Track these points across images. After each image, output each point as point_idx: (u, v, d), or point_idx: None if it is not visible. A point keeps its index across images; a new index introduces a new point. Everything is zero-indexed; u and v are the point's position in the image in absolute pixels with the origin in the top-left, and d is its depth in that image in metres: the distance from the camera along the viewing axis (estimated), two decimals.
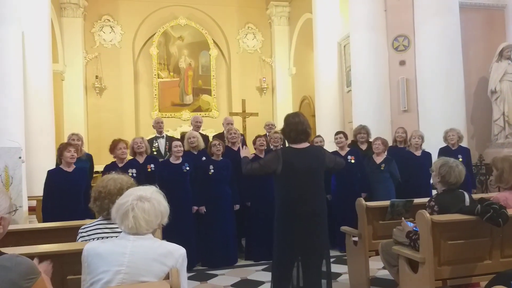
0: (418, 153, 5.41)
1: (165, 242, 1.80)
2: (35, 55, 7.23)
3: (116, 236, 1.93)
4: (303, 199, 3.03)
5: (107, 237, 2.11)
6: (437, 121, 6.21)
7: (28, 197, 6.17)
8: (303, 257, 3.08)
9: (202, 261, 4.88)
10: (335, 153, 5.45)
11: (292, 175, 3.04)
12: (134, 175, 4.46)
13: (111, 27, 11.51)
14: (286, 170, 3.04)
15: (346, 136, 5.50)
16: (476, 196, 3.56)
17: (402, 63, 7.18)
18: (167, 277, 1.66)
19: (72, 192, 4.14)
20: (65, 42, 10.79)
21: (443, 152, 5.37)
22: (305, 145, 3.14)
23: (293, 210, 3.04)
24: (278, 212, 3.13)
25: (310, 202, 3.05)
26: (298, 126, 3.11)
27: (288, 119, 3.18)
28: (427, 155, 5.40)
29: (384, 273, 4.17)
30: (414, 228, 2.97)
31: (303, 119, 3.17)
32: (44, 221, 4.17)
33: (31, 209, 6.30)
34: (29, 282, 1.46)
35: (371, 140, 5.71)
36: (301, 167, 3.03)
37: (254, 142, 5.40)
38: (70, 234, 2.76)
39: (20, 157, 4.90)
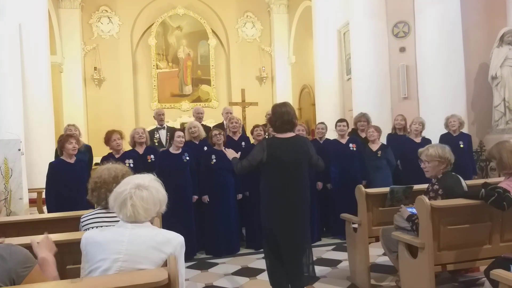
0: (418, 140, 5.40)
1: (163, 230, 1.80)
2: (32, 47, 7.19)
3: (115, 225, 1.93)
4: (285, 189, 3.09)
5: (106, 226, 2.11)
6: (438, 108, 6.18)
7: (29, 189, 6.18)
8: (286, 246, 3.12)
9: (205, 249, 4.92)
10: (335, 141, 5.46)
11: (276, 165, 3.10)
12: (132, 165, 4.45)
13: (108, 17, 11.44)
14: (270, 159, 3.09)
15: (348, 125, 5.50)
16: (478, 181, 3.57)
17: (402, 49, 7.12)
18: (165, 264, 1.67)
19: (75, 183, 4.13)
20: (63, 33, 10.74)
21: (444, 138, 5.36)
22: (290, 134, 3.18)
23: (275, 200, 3.11)
24: (262, 201, 3.20)
25: (292, 192, 3.11)
26: (284, 116, 3.15)
27: (275, 108, 3.22)
28: (427, 142, 5.38)
29: (384, 260, 4.19)
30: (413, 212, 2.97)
31: (289, 109, 3.21)
32: (49, 212, 4.17)
33: (32, 201, 6.32)
34: (24, 270, 1.47)
35: None
36: (284, 157, 3.09)
37: (252, 132, 5.40)
38: (71, 225, 2.77)
39: (19, 149, 4.90)
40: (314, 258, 4.31)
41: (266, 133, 5.39)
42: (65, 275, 2.06)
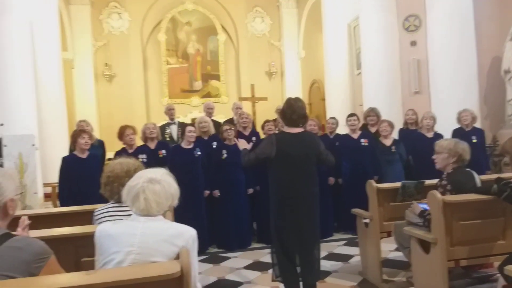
0: (430, 134, 5.36)
1: (175, 223, 1.82)
2: (44, 44, 7.28)
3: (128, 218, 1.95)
4: (293, 184, 3.10)
5: (119, 220, 2.13)
6: (450, 102, 6.12)
7: (43, 183, 6.27)
8: (298, 242, 3.12)
9: (217, 244, 4.95)
10: (346, 136, 5.44)
11: (285, 160, 3.10)
12: (145, 160, 4.49)
13: (118, 14, 11.49)
14: (279, 154, 3.10)
15: (359, 119, 5.47)
16: (491, 176, 3.52)
17: (413, 43, 7.05)
18: (177, 257, 1.68)
19: (87, 178, 4.17)
20: (74, 30, 10.81)
21: (456, 133, 5.30)
22: (299, 130, 3.20)
23: (284, 195, 3.12)
24: (271, 195, 3.21)
25: (301, 188, 3.11)
26: (299, 110, 3.17)
27: (290, 102, 3.23)
28: (439, 137, 5.31)
29: (396, 255, 4.18)
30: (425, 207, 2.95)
31: (303, 104, 3.26)
32: (61, 206, 4.23)
33: (47, 196, 6.42)
34: (41, 262, 1.50)
35: None
36: (293, 152, 3.10)
37: (262, 127, 5.41)
38: (85, 219, 2.80)
39: (33, 145, 4.97)
40: (326, 253, 4.36)
41: (277, 128, 5.39)
42: (80, 268, 2.09)
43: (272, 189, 3.21)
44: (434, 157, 3.09)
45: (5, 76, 5.95)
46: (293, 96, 3.39)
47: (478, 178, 3.00)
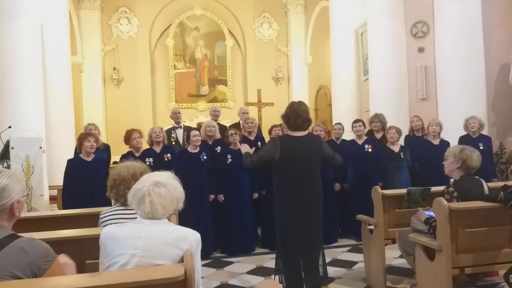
0: (436, 141, 5.34)
1: (180, 227, 1.83)
2: (54, 48, 7.35)
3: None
4: (297, 188, 3.10)
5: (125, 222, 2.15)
6: (457, 109, 6.08)
7: (49, 186, 6.31)
8: (302, 245, 3.12)
9: (220, 248, 4.95)
10: (352, 142, 5.43)
11: (289, 163, 3.10)
12: (152, 164, 4.52)
13: (127, 18, 11.59)
14: (283, 158, 3.10)
15: (364, 125, 5.46)
16: (498, 184, 3.50)
17: (421, 50, 7.03)
18: (181, 260, 1.69)
19: (91, 181, 4.22)
20: (83, 34, 10.92)
21: (463, 140, 5.27)
22: (303, 133, 3.19)
23: (288, 198, 3.12)
24: (275, 199, 3.21)
25: (304, 192, 3.11)
26: (303, 114, 3.17)
27: (293, 106, 3.23)
28: (445, 144, 5.30)
29: (400, 262, 4.15)
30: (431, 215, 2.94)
31: (307, 108, 3.26)
32: (64, 209, 4.26)
33: (52, 198, 6.46)
34: (46, 264, 1.51)
35: None
36: (297, 155, 3.09)
37: (270, 132, 5.41)
38: (89, 221, 2.82)
39: (40, 147, 5.00)
40: (330, 259, 4.33)
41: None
42: (84, 270, 2.10)
43: (276, 192, 3.21)
44: (444, 162, 3.09)
45: (15, 79, 6.01)
46: (298, 100, 3.39)
47: (486, 186, 2.98)
